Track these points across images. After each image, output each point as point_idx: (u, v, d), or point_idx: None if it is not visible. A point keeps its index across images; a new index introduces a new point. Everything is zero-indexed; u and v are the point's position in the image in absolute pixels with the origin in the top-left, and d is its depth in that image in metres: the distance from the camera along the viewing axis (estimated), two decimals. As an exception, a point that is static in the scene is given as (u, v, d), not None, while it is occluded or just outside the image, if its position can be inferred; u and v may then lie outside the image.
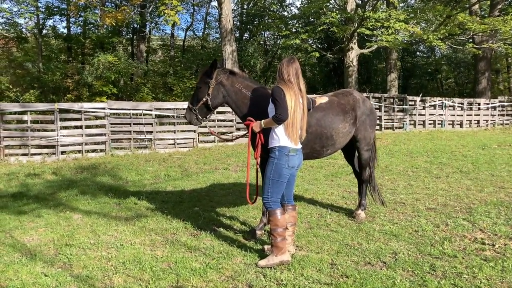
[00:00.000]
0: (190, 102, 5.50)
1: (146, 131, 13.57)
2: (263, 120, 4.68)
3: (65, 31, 24.90)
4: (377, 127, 18.21)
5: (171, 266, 4.55)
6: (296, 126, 4.55)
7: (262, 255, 4.78)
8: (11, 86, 19.97)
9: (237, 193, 8.03)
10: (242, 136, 6.38)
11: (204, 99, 5.35)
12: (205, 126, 6.08)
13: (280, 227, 4.55)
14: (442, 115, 20.36)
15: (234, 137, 5.60)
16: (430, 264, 4.49)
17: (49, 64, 21.00)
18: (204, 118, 5.53)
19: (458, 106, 20.81)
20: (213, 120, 14.66)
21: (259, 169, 5.09)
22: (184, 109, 14.31)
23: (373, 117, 6.18)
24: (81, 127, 12.80)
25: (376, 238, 5.32)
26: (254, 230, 5.52)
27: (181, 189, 8.50)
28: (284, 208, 4.76)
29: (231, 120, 14.85)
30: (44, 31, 23.37)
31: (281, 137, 4.55)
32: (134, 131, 13.45)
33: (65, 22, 24.07)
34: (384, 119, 18.93)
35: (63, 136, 12.45)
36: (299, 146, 4.66)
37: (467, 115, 21.02)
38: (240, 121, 5.68)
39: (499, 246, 4.94)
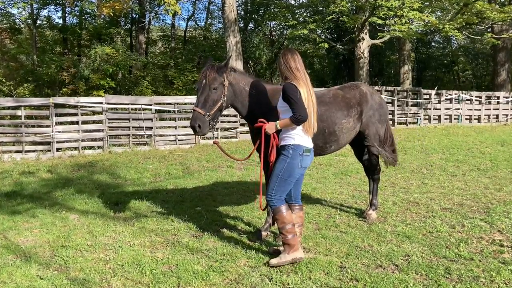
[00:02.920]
0: (201, 107, 4.86)
1: (146, 127, 13.60)
2: (278, 121, 4.62)
3: (61, 21, 25.02)
4: (390, 122, 18.12)
5: (172, 269, 4.57)
6: (311, 121, 4.57)
7: (268, 256, 4.79)
8: (4, 80, 20.10)
9: (241, 192, 8.05)
10: (250, 154, 5.37)
11: (220, 102, 4.99)
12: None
13: (288, 224, 4.57)
14: (458, 109, 20.27)
15: (245, 158, 5.34)
16: (445, 267, 4.49)
17: (43, 56, 21.10)
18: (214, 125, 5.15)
19: (476, 100, 20.70)
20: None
21: (270, 172, 5.04)
22: (186, 103, 14.35)
23: (383, 112, 6.17)
24: (77, 122, 12.84)
25: (388, 239, 5.32)
26: (260, 231, 5.54)
27: (183, 188, 8.53)
28: (290, 208, 4.77)
29: (235, 115, 14.85)
30: (38, 22, 23.47)
31: (296, 135, 4.54)
32: (133, 127, 13.48)
33: (61, 12, 24.19)
34: (397, 114, 18.87)
35: (59, 132, 12.51)
36: (312, 145, 4.67)
37: (485, 109, 20.92)
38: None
39: (518, 249, 4.93)
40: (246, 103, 5.23)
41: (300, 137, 4.55)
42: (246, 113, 5.28)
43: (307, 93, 4.50)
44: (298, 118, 4.40)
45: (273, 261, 4.58)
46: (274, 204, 4.60)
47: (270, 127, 4.69)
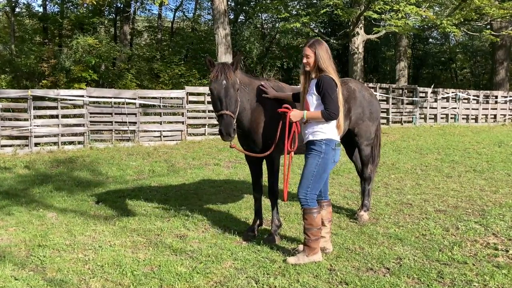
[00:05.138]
0: (230, 110, 4.76)
1: (129, 122, 13.54)
2: (306, 112, 4.67)
3: (41, 9, 24.79)
4: (384, 121, 18.28)
5: (154, 270, 4.57)
6: (342, 119, 4.72)
7: (254, 258, 4.81)
8: (-21, 70, 19.88)
9: (229, 191, 8.06)
10: (269, 152, 5.14)
11: (240, 102, 4.95)
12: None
13: (315, 227, 4.67)
14: (455, 108, 20.44)
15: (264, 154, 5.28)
16: (438, 271, 4.53)
17: (22, 46, 20.91)
18: None
19: (473, 99, 20.89)
20: (204, 111, 14.64)
21: (291, 161, 4.98)
22: (172, 98, 14.30)
23: (374, 109, 6.21)
24: (57, 116, 12.74)
25: (379, 242, 5.36)
26: (247, 231, 5.56)
27: (167, 186, 8.52)
28: (320, 204, 4.84)
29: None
30: (17, 10, 23.22)
31: (328, 129, 4.62)
32: (116, 122, 13.41)
33: (41, -1, 23.96)
34: (392, 112, 18.97)
35: (37, 126, 12.40)
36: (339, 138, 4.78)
37: (483, 108, 21.11)
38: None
39: (513, 252, 5.00)
40: (242, 103, 5.14)
41: (331, 131, 4.63)
42: (239, 112, 5.14)
43: (340, 88, 4.64)
44: (331, 115, 4.51)
45: (291, 260, 4.69)
46: (308, 204, 4.66)
47: (295, 115, 4.74)
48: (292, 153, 4.94)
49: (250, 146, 5.35)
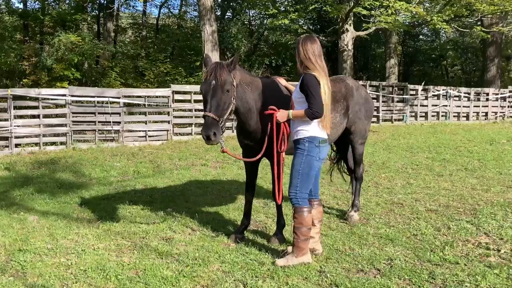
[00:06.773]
0: (214, 111, 4.66)
1: (113, 122, 13.45)
2: (291, 111, 4.71)
3: (21, 6, 24.53)
4: (374, 119, 18.37)
5: (139, 274, 4.54)
6: (328, 114, 4.70)
7: (243, 261, 4.80)
8: (-43, 69, 19.65)
9: (216, 192, 8.04)
10: (263, 155, 5.16)
11: (232, 105, 4.83)
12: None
13: (305, 227, 4.68)
14: (446, 106, 20.59)
15: (258, 156, 5.24)
16: (429, 271, 4.56)
17: (2, 44, 20.67)
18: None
19: (464, 97, 21.04)
20: (190, 110, 14.60)
21: (282, 162, 5.01)
22: (157, 96, 14.24)
23: (369, 107, 6.27)
24: (38, 116, 12.62)
25: (370, 242, 5.38)
26: (235, 233, 5.55)
27: (153, 187, 8.48)
28: (311, 203, 4.86)
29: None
30: (-4, 6, 22.98)
31: (311, 127, 4.64)
32: (99, 122, 13.31)
33: (21, -5, 23.75)
34: (382, 110, 19.07)
35: (18, 126, 12.27)
36: (326, 135, 4.78)
37: (474, 106, 21.28)
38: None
39: (504, 252, 5.03)
40: (246, 103, 5.09)
41: (314, 129, 4.64)
42: (244, 112, 5.12)
43: (327, 85, 4.62)
44: (314, 114, 4.52)
45: (280, 262, 4.69)
46: (298, 203, 4.69)
47: (282, 115, 4.77)
48: (283, 154, 4.95)
49: (256, 147, 5.29)
